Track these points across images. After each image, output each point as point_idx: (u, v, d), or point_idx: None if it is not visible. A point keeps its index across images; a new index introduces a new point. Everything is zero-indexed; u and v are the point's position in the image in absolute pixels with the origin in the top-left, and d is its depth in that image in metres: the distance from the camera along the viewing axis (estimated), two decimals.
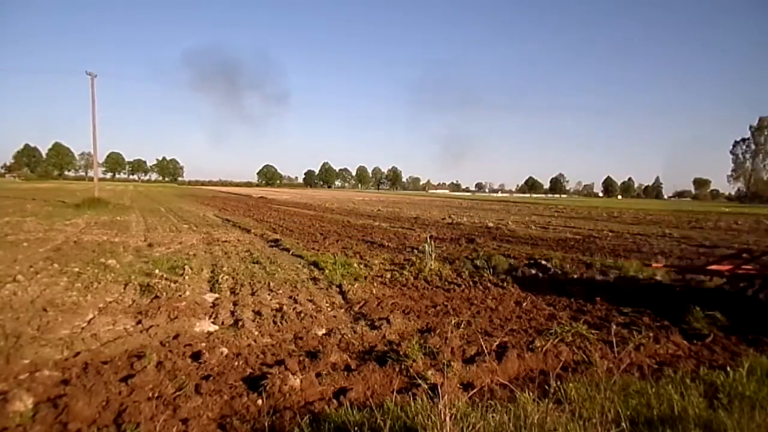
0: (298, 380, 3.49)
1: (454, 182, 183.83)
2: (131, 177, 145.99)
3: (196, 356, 4.04)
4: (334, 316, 5.51)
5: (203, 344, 4.34)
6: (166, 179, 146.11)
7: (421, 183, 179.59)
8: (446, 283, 7.33)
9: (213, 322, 5.14)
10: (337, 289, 6.75)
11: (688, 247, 12.01)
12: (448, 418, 2.51)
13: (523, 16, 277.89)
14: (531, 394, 3.01)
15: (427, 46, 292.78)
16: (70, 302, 5.54)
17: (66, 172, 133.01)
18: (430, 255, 8.55)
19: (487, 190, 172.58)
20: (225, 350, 4.19)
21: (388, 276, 7.69)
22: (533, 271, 8.25)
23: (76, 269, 7.38)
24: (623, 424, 2.65)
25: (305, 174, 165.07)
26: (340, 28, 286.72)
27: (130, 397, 3.26)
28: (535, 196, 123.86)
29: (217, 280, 7.06)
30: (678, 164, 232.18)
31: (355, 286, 6.83)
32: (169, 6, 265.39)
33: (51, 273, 7.10)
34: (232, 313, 5.48)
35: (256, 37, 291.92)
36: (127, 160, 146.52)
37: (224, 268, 7.96)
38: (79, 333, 4.58)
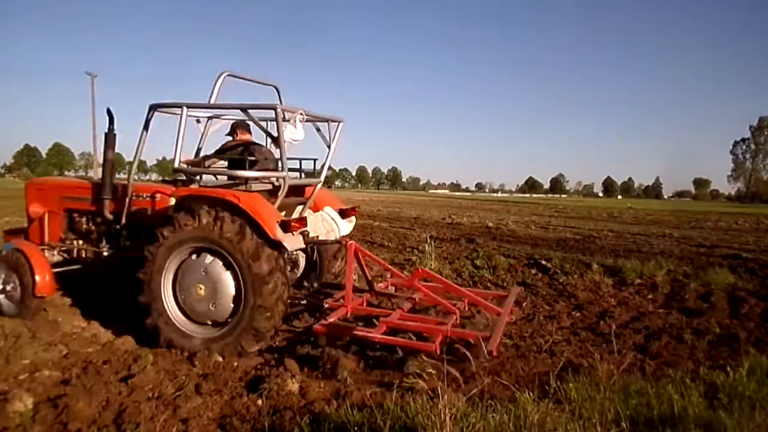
0: (298, 380, 3.50)
1: (454, 182, 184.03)
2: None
3: (195, 356, 4.03)
4: None
5: None
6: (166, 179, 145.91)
7: (421, 183, 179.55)
8: None
9: None
10: None
11: (687, 247, 12.00)
12: (448, 418, 2.51)
13: (513, 16, 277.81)
14: (531, 394, 3.00)
15: (428, 47, 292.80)
16: (69, 302, 5.53)
17: (66, 173, 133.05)
18: (430, 255, 8.55)
19: (487, 190, 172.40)
20: None
21: (388, 275, 7.67)
22: (533, 271, 8.25)
23: None
24: (623, 423, 2.65)
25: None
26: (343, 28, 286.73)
27: (130, 397, 3.26)
28: (535, 196, 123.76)
29: None
30: (678, 164, 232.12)
31: None
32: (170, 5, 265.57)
33: None
34: None
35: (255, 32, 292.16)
36: (127, 160, 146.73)
37: None
38: (79, 332, 4.58)
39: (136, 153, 4.62)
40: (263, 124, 4.38)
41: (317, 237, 4.80)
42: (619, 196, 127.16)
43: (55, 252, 5.13)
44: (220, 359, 4.00)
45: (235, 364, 3.95)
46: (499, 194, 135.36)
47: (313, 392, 3.39)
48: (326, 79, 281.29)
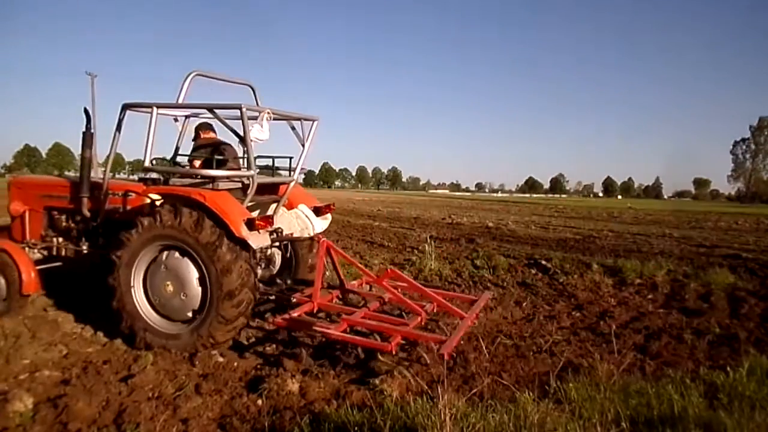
0: (297, 380, 3.50)
1: (454, 182, 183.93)
2: (131, 177, 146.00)
3: (196, 356, 4.03)
4: None
5: None
6: None
7: (421, 183, 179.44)
8: (446, 283, 7.33)
9: None
10: None
11: (687, 247, 12.00)
12: (448, 418, 2.51)
13: (513, 16, 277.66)
14: (531, 394, 3.01)
15: (428, 47, 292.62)
16: (69, 301, 5.53)
17: (66, 173, 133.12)
18: (430, 255, 8.55)
19: (487, 190, 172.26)
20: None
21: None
22: (533, 271, 8.25)
23: None
24: (623, 423, 2.66)
25: (305, 174, 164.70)
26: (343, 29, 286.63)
27: (130, 397, 3.27)
28: (535, 196, 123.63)
29: None
30: (678, 164, 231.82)
31: None
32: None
33: None
34: None
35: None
36: (127, 160, 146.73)
37: None
38: (79, 332, 4.58)
39: (111, 151, 4.56)
40: (237, 122, 4.31)
41: (291, 234, 4.81)
42: (619, 196, 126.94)
43: (36, 250, 5.13)
44: (221, 359, 4.00)
45: (235, 364, 3.96)
46: (499, 194, 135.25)
47: (313, 392, 3.39)
48: (326, 78, 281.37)
